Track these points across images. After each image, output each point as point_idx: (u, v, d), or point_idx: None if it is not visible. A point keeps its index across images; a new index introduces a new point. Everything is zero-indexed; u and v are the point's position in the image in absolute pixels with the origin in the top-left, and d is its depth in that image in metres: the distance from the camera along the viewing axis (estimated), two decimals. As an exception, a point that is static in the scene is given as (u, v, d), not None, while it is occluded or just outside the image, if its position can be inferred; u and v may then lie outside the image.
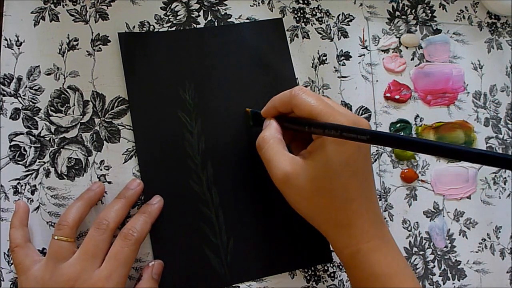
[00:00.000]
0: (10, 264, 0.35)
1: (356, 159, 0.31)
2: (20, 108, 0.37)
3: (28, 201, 0.36)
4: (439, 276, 0.42)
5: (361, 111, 0.43)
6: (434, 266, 0.42)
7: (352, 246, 0.32)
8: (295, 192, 0.32)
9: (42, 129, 0.37)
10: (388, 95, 0.43)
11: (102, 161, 0.37)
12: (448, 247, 0.43)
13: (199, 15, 0.41)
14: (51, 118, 0.37)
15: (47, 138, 0.37)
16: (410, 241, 0.42)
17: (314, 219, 0.33)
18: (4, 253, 0.35)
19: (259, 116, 0.37)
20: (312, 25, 0.43)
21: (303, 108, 0.32)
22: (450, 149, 0.24)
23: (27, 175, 0.36)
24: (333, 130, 0.30)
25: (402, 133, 0.43)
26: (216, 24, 0.41)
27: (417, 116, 0.44)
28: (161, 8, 0.40)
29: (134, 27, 0.40)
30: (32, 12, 0.38)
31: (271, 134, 0.34)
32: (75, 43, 0.38)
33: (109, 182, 0.37)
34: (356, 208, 0.31)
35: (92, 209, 0.36)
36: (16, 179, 0.36)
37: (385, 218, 0.42)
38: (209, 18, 0.41)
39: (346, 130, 0.29)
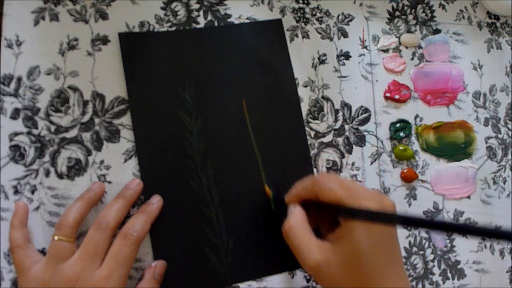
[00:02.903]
0: (10, 264, 0.35)
1: (385, 240, 0.31)
2: (20, 108, 0.37)
3: (28, 201, 0.36)
4: (439, 275, 0.42)
5: (361, 111, 0.43)
6: (434, 265, 0.42)
7: None
8: (328, 279, 0.32)
9: (42, 129, 0.37)
10: (388, 95, 0.44)
11: (102, 161, 0.37)
12: (447, 246, 0.43)
13: (199, 15, 0.41)
14: (51, 118, 0.37)
15: (47, 138, 0.37)
16: (410, 241, 0.42)
17: None
18: (4, 253, 0.35)
19: (283, 203, 0.36)
20: (312, 25, 0.43)
21: (328, 195, 0.32)
22: (487, 231, 0.24)
23: (27, 175, 0.36)
24: (363, 215, 0.30)
25: (402, 133, 0.43)
26: (216, 24, 0.41)
27: (417, 116, 0.44)
28: (161, 8, 0.40)
29: (134, 27, 0.40)
30: (32, 12, 0.38)
31: (297, 222, 0.34)
32: (75, 43, 0.38)
33: (109, 182, 0.37)
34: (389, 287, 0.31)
35: (92, 209, 0.36)
36: (16, 179, 0.36)
37: (385, 218, 0.42)
38: (209, 18, 0.41)
39: (377, 216, 0.29)
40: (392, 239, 0.32)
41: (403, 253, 0.41)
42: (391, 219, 0.28)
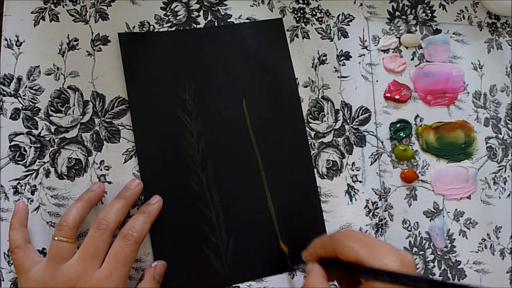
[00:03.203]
0: (10, 264, 0.35)
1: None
2: (20, 108, 0.37)
3: (28, 201, 0.36)
4: (439, 276, 0.42)
5: (361, 111, 0.43)
6: (434, 266, 0.42)
7: None
8: None
9: (42, 129, 0.37)
10: (388, 95, 0.43)
11: (102, 161, 0.37)
12: (448, 247, 0.43)
13: (199, 15, 0.41)
14: (51, 118, 0.37)
15: (47, 138, 0.37)
16: (410, 241, 0.42)
17: None
18: (4, 253, 0.35)
19: (298, 256, 0.35)
20: (312, 25, 0.43)
21: (347, 254, 0.31)
22: None
23: (27, 175, 0.36)
24: (387, 276, 0.28)
25: (402, 133, 0.43)
26: (216, 24, 0.41)
27: (417, 116, 0.44)
28: (161, 8, 0.40)
29: (134, 27, 0.40)
30: (32, 12, 0.38)
31: (316, 282, 0.32)
32: (75, 43, 0.38)
33: (109, 182, 0.37)
34: None
35: (92, 210, 0.36)
36: (16, 179, 0.36)
37: (385, 218, 0.42)
38: (209, 18, 0.41)
39: (402, 277, 0.28)
40: None
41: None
42: (416, 281, 0.27)
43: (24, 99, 0.37)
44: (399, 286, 0.28)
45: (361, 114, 0.43)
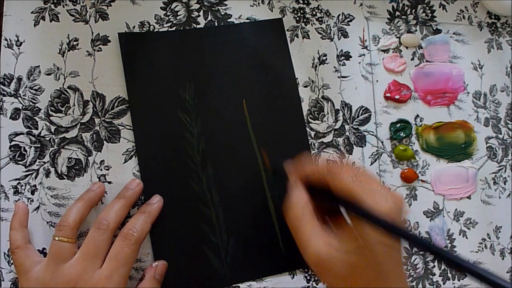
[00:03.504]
0: (10, 264, 0.35)
1: (393, 246, 0.30)
2: (20, 108, 0.37)
3: (28, 201, 0.36)
4: (439, 276, 0.42)
5: (361, 111, 0.43)
6: (434, 266, 0.42)
7: None
8: (329, 274, 0.31)
9: (42, 129, 0.37)
10: (388, 95, 0.43)
11: (102, 161, 0.37)
12: (448, 247, 0.43)
13: (199, 15, 0.41)
14: (51, 118, 0.37)
15: (47, 138, 0.37)
16: (410, 241, 0.42)
17: None
18: (4, 253, 0.35)
19: (284, 175, 0.35)
20: (312, 25, 0.43)
21: (341, 188, 0.31)
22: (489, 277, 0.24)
23: (27, 175, 0.36)
24: (380, 223, 0.28)
25: (402, 133, 0.43)
26: (216, 24, 0.41)
27: (417, 116, 0.44)
28: (161, 8, 0.40)
29: (134, 27, 0.40)
30: (32, 12, 0.38)
31: (303, 203, 0.32)
32: (75, 43, 0.38)
33: (109, 182, 0.37)
34: (392, 286, 0.30)
35: (93, 210, 0.36)
36: (16, 179, 0.36)
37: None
38: (209, 18, 0.41)
39: (393, 229, 0.28)
40: (399, 246, 0.31)
41: (403, 253, 0.41)
42: (404, 237, 0.27)
43: (24, 99, 0.37)
44: (389, 235, 0.28)
45: (361, 114, 0.43)
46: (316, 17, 0.43)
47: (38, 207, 0.36)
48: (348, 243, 0.30)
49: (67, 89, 0.38)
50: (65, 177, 0.37)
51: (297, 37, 0.43)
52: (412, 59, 0.45)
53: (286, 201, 0.33)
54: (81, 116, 0.38)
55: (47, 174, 0.36)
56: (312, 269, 0.32)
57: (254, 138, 0.39)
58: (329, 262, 0.30)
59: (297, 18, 0.43)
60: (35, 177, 0.36)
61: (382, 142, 0.43)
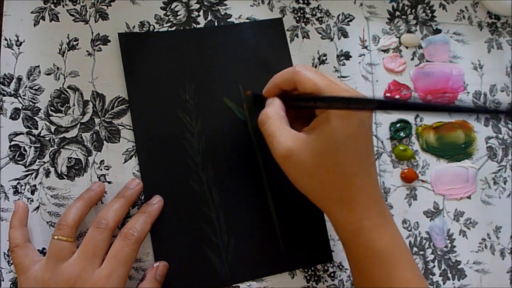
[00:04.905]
0: (10, 264, 0.35)
1: (360, 134, 0.31)
2: (20, 108, 0.37)
3: (28, 201, 0.36)
4: (439, 276, 0.42)
5: (361, 111, 0.43)
6: (434, 266, 0.42)
7: (355, 222, 0.31)
8: (297, 168, 0.32)
9: (42, 129, 0.37)
10: (388, 95, 0.43)
11: (102, 161, 0.37)
12: (448, 247, 0.43)
13: (199, 15, 0.41)
14: (51, 118, 0.37)
15: (47, 138, 0.37)
16: (410, 241, 0.42)
17: (317, 196, 0.33)
18: (4, 253, 0.35)
19: (261, 98, 0.37)
20: (312, 25, 0.43)
21: (307, 84, 0.32)
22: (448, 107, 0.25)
23: (27, 175, 0.36)
24: (340, 102, 0.29)
25: (402, 133, 0.43)
26: (216, 24, 0.41)
27: (417, 116, 0.44)
28: (161, 8, 0.40)
29: (134, 27, 0.40)
30: (32, 12, 0.38)
31: (273, 110, 0.34)
32: (75, 43, 0.38)
33: (109, 182, 0.37)
34: (359, 184, 0.31)
35: (92, 209, 0.36)
36: (16, 179, 0.36)
37: (385, 218, 0.42)
38: (209, 18, 0.41)
39: (354, 101, 0.29)
40: (367, 135, 0.32)
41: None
42: (369, 102, 0.28)
43: (24, 99, 0.37)
44: (352, 110, 0.29)
45: (361, 114, 0.43)
46: (316, 17, 0.43)
47: (38, 207, 0.36)
48: (315, 135, 0.31)
49: (67, 89, 0.38)
50: (65, 177, 0.37)
51: (297, 37, 0.43)
52: (412, 59, 0.45)
53: (261, 112, 0.34)
54: (81, 116, 0.38)
55: (47, 174, 0.36)
56: (280, 165, 0.33)
57: (255, 138, 0.39)
58: (297, 154, 0.31)
59: (297, 18, 0.43)
60: (35, 177, 0.36)
61: (382, 142, 0.43)
